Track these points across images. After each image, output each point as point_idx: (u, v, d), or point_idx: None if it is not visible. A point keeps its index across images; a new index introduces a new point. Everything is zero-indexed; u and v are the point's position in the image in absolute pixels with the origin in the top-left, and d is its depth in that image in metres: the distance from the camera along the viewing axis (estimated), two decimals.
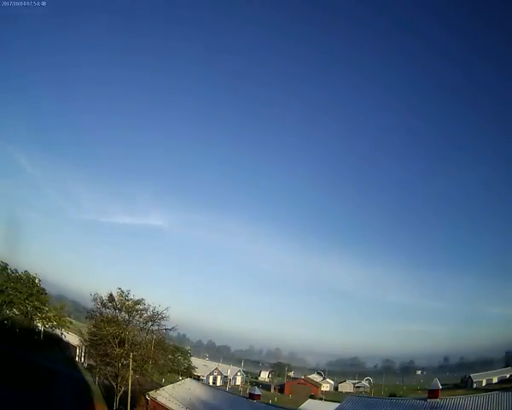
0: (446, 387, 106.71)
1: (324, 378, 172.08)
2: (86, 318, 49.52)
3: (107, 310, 44.20)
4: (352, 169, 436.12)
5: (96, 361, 49.98)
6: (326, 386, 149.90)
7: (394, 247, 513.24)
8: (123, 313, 44.14)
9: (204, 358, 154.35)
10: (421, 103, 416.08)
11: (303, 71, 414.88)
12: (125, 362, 42.49)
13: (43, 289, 44.85)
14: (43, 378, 47.99)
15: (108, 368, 44.80)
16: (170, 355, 76.22)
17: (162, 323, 47.57)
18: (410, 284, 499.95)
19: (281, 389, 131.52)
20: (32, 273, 43.01)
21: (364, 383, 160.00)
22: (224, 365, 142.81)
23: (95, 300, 43.57)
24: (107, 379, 47.97)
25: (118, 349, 41.15)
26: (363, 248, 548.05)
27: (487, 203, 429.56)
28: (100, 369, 49.47)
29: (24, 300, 40.54)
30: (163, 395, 48.33)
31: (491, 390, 44.47)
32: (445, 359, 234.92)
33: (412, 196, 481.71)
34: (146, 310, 45.05)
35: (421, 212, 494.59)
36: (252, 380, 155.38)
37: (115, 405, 42.75)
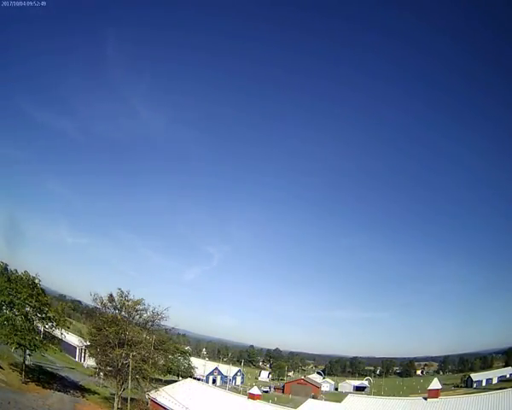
0: (446, 387, 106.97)
1: (324, 378, 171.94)
2: (86, 318, 49.23)
3: (108, 310, 44.07)
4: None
5: (95, 362, 49.91)
6: (326, 386, 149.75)
7: (391, 243, 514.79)
8: (123, 313, 44.00)
9: (204, 358, 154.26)
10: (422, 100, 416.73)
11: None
12: (124, 362, 42.40)
13: (43, 290, 44.61)
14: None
15: (108, 368, 44.69)
16: (170, 355, 76.15)
17: (162, 323, 47.52)
18: (409, 283, 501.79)
19: (281, 389, 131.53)
20: (32, 273, 42.75)
21: (364, 382, 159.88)
22: (224, 365, 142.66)
23: (95, 300, 43.45)
24: (107, 379, 47.95)
25: (118, 350, 41.05)
26: (363, 246, 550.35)
27: (488, 200, 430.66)
28: (100, 369, 49.39)
29: (24, 300, 40.30)
30: (163, 395, 48.27)
31: (491, 390, 44.51)
32: (445, 359, 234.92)
33: (410, 187, 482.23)
34: (146, 310, 44.95)
35: (423, 207, 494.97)
36: (251, 380, 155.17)
37: (115, 405, 42.69)
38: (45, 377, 49.66)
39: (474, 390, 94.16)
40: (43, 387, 43.83)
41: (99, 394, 52.79)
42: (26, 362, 45.42)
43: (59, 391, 44.95)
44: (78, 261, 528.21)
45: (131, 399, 43.83)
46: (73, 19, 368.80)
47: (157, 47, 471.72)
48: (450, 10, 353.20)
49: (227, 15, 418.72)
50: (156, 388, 50.26)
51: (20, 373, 43.22)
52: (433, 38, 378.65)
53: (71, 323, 58.11)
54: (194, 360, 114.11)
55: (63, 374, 59.88)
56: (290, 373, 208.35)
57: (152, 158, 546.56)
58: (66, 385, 51.41)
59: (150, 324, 46.35)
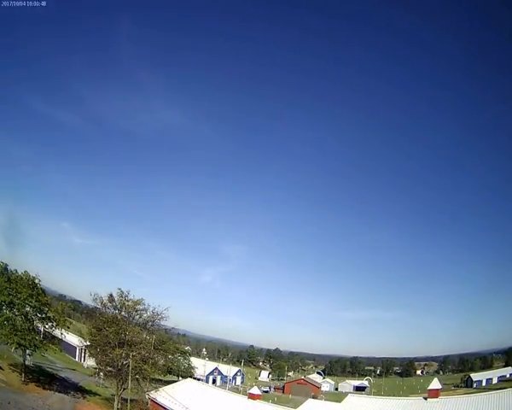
0: (446, 387, 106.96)
1: (324, 378, 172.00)
2: (86, 318, 48.97)
3: (108, 310, 44.06)
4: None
5: (95, 362, 49.88)
6: (326, 386, 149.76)
7: (392, 243, 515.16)
8: (123, 313, 43.99)
9: (204, 358, 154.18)
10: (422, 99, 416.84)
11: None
12: (124, 362, 42.38)
13: (43, 290, 44.54)
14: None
15: (108, 368, 44.67)
16: (170, 356, 76.10)
17: (162, 323, 47.51)
18: (410, 283, 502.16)
19: (281, 389, 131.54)
20: (32, 274, 42.68)
21: (364, 382, 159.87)
22: (224, 365, 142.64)
23: (95, 300, 43.43)
24: (107, 379, 47.92)
25: (118, 350, 41.03)
26: (364, 244, 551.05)
27: (488, 201, 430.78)
28: (100, 369, 49.36)
29: (24, 300, 40.25)
30: (163, 395, 48.27)
31: (491, 390, 44.53)
32: (445, 359, 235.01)
33: (411, 189, 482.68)
34: (146, 310, 44.95)
35: (421, 205, 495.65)
36: (251, 380, 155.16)
37: (115, 405, 42.68)
38: (45, 378, 49.52)
39: (474, 390, 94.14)
40: (44, 388, 43.69)
41: (99, 394, 52.73)
42: (26, 362, 45.37)
43: (59, 392, 44.74)
44: (82, 262, 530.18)
45: (131, 399, 43.83)
46: (85, 17, 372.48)
47: (169, 47, 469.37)
48: (454, 9, 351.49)
49: (227, 18, 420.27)
50: (156, 388, 50.28)
51: (20, 374, 43.15)
52: (436, 36, 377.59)
53: (71, 323, 58.00)
54: (194, 360, 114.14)
55: (63, 375, 59.78)
56: (290, 373, 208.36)
57: (166, 158, 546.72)
58: (67, 386, 51.12)
59: (150, 324, 46.35)
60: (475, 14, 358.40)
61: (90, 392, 52.13)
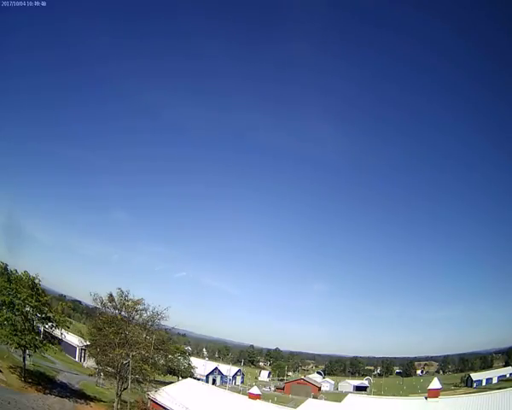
0: (446, 387, 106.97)
1: (324, 378, 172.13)
2: (86, 318, 49.05)
3: (108, 310, 44.13)
4: None
5: (95, 361, 49.94)
6: (326, 386, 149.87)
7: (394, 243, 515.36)
8: (123, 313, 44.07)
9: (204, 358, 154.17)
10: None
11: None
12: (124, 362, 42.42)
13: (43, 290, 44.54)
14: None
15: (108, 368, 44.73)
16: (170, 355, 76.15)
17: (162, 323, 47.61)
18: (410, 283, 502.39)
19: (281, 388, 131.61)
20: (32, 274, 42.66)
21: (364, 382, 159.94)
22: (224, 365, 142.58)
23: (95, 300, 43.54)
24: (107, 379, 47.97)
25: (118, 350, 41.08)
26: (363, 247, 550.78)
27: (488, 203, 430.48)
28: (100, 369, 49.43)
29: (23, 300, 40.27)
30: (163, 395, 48.31)
31: (491, 390, 44.62)
32: (445, 358, 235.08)
33: (411, 195, 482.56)
34: (146, 310, 45.07)
35: (423, 209, 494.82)
36: (252, 380, 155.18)
37: (115, 405, 42.70)
38: (45, 383, 49.28)
39: (474, 390, 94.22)
40: (44, 393, 43.26)
41: (99, 395, 52.70)
42: (26, 362, 45.25)
43: (60, 394, 44.30)
44: (82, 262, 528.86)
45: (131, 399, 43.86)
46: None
47: None
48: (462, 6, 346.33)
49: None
50: (156, 388, 50.33)
51: (20, 376, 42.99)
52: (441, 34, 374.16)
53: (71, 323, 57.97)
54: (195, 360, 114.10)
55: (64, 378, 59.60)
56: (290, 373, 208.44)
57: None
58: (67, 387, 51.03)
59: (150, 324, 46.42)
60: (487, 13, 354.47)
61: (90, 391, 52.01)
